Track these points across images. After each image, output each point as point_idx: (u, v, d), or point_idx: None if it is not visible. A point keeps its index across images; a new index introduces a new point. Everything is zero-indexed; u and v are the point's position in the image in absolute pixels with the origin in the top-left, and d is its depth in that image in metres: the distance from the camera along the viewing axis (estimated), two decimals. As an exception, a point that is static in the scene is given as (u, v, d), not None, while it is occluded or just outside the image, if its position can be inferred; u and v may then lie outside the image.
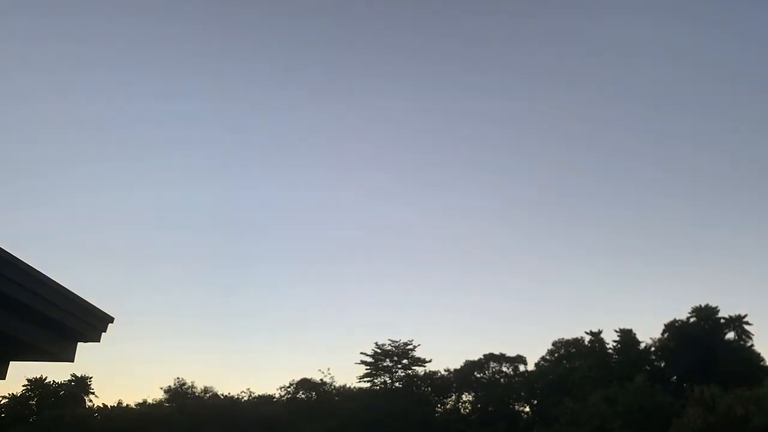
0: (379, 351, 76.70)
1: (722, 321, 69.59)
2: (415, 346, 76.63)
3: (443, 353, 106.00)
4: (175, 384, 79.71)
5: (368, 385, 76.54)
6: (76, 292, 5.82)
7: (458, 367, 77.93)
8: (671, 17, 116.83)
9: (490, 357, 77.80)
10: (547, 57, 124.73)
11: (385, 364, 76.69)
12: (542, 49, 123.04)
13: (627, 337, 72.80)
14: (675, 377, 68.74)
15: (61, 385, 77.35)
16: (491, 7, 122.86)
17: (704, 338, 67.32)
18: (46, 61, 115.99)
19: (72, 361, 6.39)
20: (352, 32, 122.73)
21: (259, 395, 77.11)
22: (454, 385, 76.60)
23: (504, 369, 77.64)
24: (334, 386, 76.89)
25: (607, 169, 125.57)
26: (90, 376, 79.67)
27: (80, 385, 78.51)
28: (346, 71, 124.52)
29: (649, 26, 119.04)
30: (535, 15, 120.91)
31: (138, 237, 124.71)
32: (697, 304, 70.77)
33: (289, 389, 76.74)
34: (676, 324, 70.66)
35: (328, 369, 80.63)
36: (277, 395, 77.06)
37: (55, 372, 77.99)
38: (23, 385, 75.43)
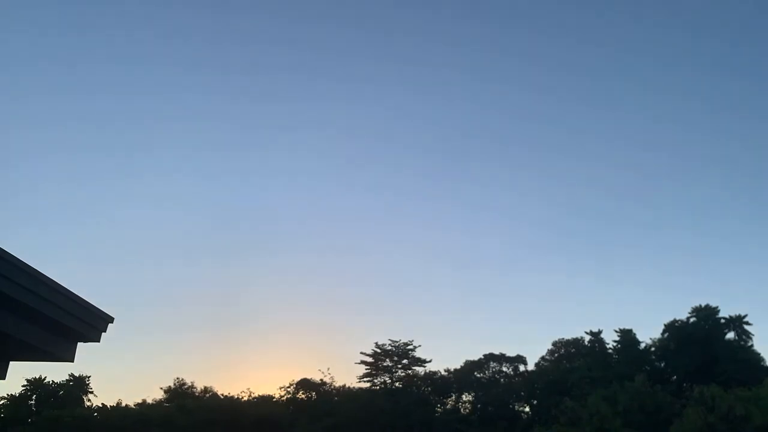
0: (379, 351, 76.76)
1: (722, 321, 69.58)
2: (415, 346, 76.79)
3: (443, 353, 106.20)
4: (175, 384, 79.73)
5: (368, 385, 76.66)
6: (76, 292, 5.81)
7: (458, 367, 78.11)
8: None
9: (490, 357, 77.85)
10: (545, 59, 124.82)
11: (385, 364, 76.73)
12: (540, 49, 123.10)
13: (627, 337, 72.83)
14: (675, 377, 68.74)
15: (60, 385, 77.31)
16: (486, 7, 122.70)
17: (704, 338, 67.31)
18: (45, 54, 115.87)
19: (72, 361, 6.38)
20: (354, 31, 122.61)
21: (259, 395, 77.07)
22: (454, 385, 76.61)
23: (504, 369, 77.75)
24: (334, 386, 76.94)
25: (607, 168, 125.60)
26: (90, 376, 79.79)
27: (80, 385, 78.46)
28: (348, 69, 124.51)
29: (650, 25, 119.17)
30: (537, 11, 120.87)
31: (138, 237, 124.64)
32: (697, 304, 70.87)
33: (289, 389, 76.77)
34: (676, 324, 70.66)
35: (328, 369, 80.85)
36: (277, 395, 77.11)
37: (55, 372, 78.05)
38: (23, 385, 75.46)
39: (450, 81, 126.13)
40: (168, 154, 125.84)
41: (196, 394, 78.16)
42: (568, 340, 79.39)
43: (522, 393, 73.43)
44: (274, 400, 76.18)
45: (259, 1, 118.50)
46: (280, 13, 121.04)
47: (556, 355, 78.86)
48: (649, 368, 68.06)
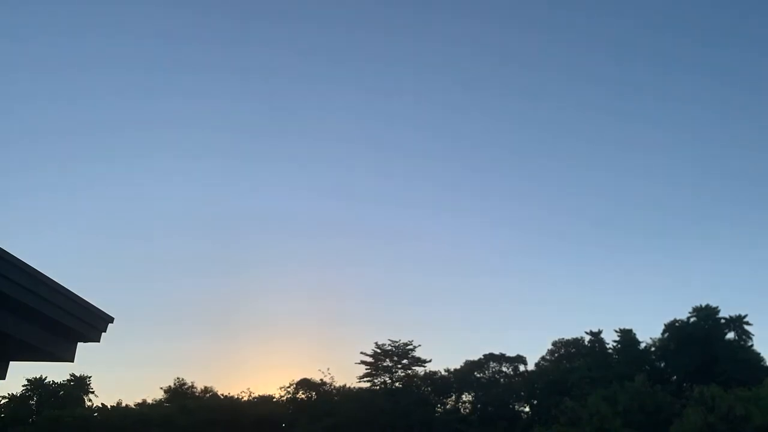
0: (379, 351, 76.73)
1: (722, 321, 69.52)
2: (415, 346, 76.76)
3: (443, 353, 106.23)
4: (175, 384, 79.70)
5: (368, 385, 76.61)
6: (76, 292, 5.82)
7: (458, 367, 78.06)
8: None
9: (490, 357, 77.80)
10: (547, 56, 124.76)
11: (385, 364, 76.69)
12: (542, 48, 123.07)
13: (627, 337, 72.78)
14: (675, 377, 68.68)
15: (61, 385, 77.35)
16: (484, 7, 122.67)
17: (704, 338, 67.25)
18: (45, 61, 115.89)
19: (72, 361, 6.39)
20: (354, 31, 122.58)
21: (259, 395, 77.04)
22: (454, 385, 76.57)
23: (504, 369, 77.69)
24: (334, 386, 76.89)
25: (607, 169, 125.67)
26: (90, 376, 79.83)
27: (80, 385, 78.52)
28: (348, 72, 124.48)
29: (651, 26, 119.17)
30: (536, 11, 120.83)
31: (138, 237, 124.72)
32: (697, 304, 70.80)
33: (289, 389, 76.71)
34: (676, 324, 70.61)
35: (328, 369, 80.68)
36: (277, 395, 77.08)
37: (55, 372, 78.12)
38: (23, 385, 75.58)
39: (451, 83, 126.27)
40: (170, 156, 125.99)
41: (196, 394, 78.15)
42: (568, 340, 79.39)
43: (522, 393, 73.38)
44: (274, 400, 76.13)
45: (256, 5, 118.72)
46: (275, 17, 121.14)
47: (556, 355, 78.82)
48: (649, 368, 68.01)
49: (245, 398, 75.98)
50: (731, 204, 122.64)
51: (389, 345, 76.75)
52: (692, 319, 70.20)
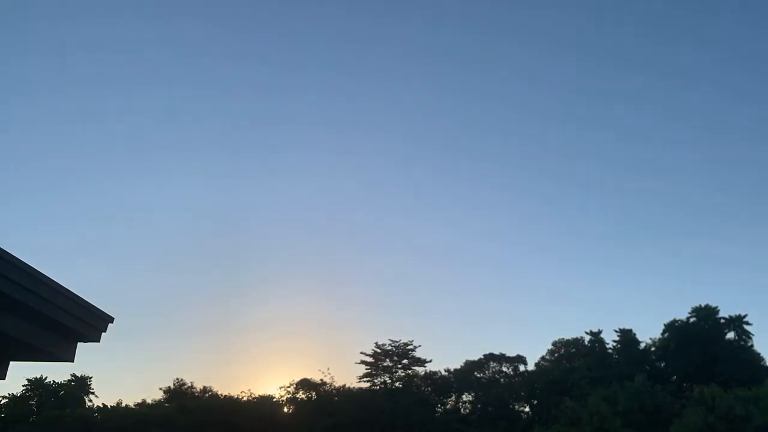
0: (379, 351, 76.75)
1: (722, 321, 69.57)
2: (415, 347, 76.81)
3: (443, 353, 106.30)
4: (174, 384, 79.66)
5: (368, 385, 76.61)
6: (76, 292, 5.82)
7: (458, 367, 78.10)
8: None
9: (490, 357, 77.83)
10: (550, 62, 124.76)
11: (385, 364, 76.72)
12: (544, 54, 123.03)
13: (627, 337, 72.82)
14: (675, 377, 68.69)
15: (61, 385, 77.38)
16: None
17: (704, 338, 67.30)
18: (49, 50, 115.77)
19: (72, 361, 6.39)
20: (357, 28, 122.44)
21: (259, 395, 77.01)
22: (454, 385, 76.59)
23: (504, 369, 77.72)
24: (334, 386, 76.88)
25: (607, 169, 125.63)
26: (90, 376, 79.86)
27: (80, 385, 78.56)
28: (351, 66, 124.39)
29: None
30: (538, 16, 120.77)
31: (139, 236, 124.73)
32: (697, 304, 70.86)
33: (289, 389, 76.68)
34: (676, 324, 70.65)
35: (328, 369, 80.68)
36: (277, 395, 77.05)
37: (55, 372, 78.17)
38: (23, 385, 75.61)
39: (461, 77, 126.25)
40: (169, 155, 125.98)
41: (196, 394, 78.08)
42: (568, 340, 79.44)
43: (522, 393, 73.40)
44: (274, 400, 76.12)
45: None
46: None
47: (556, 355, 78.85)
48: (649, 368, 68.01)
49: (245, 398, 75.94)
50: (731, 204, 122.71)
51: (389, 345, 76.84)
52: (692, 319, 70.22)
